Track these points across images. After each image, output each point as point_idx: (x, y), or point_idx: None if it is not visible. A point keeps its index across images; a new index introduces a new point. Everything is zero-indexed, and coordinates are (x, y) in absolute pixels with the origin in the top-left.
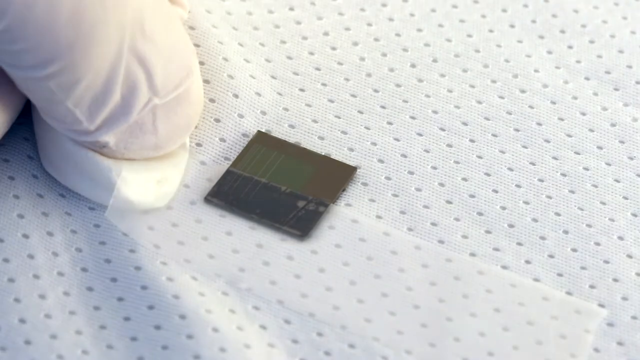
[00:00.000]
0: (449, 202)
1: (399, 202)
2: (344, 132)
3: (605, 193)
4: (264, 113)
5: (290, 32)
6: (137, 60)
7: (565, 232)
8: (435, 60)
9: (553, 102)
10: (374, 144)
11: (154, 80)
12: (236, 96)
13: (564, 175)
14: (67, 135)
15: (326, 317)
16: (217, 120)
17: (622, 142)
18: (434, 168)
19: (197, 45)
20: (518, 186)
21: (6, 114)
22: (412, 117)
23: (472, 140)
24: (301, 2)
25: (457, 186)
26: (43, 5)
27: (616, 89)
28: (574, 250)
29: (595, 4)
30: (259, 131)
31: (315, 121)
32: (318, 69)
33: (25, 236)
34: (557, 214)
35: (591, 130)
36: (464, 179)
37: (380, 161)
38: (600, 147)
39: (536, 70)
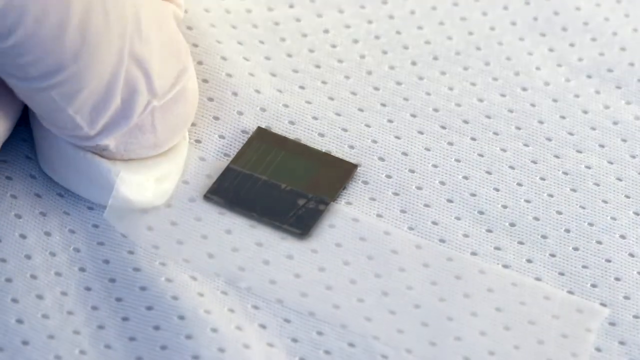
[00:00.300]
0: (450, 201)
1: (399, 200)
2: (345, 130)
3: (607, 192)
4: (263, 110)
5: (290, 29)
6: (135, 64)
7: (567, 230)
8: (436, 58)
9: (555, 100)
10: (375, 141)
11: (153, 82)
12: (235, 94)
13: (565, 173)
14: (67, 140)
15: (326, 316)
16: (216, 118)
17: (624, 140)
18: (435, 166)
19: (195, 45)
20: (519, 185)
21: (5, 123)
22: (413, 115)
23: (473, 139)
24: (301, 0)
25: (457, 185)
26: (53, 20)
27: (618, 87)
28: (576, 249)
29: (597, 1)
30: (259, 127)
31: (315, 118)
32: (318, 66)
33: (23, 236)
34: (559, 213)
35: (593, 129)
36: (465, 177)
37: (381, 159)
38: (602, 146)
39: (538, 68)
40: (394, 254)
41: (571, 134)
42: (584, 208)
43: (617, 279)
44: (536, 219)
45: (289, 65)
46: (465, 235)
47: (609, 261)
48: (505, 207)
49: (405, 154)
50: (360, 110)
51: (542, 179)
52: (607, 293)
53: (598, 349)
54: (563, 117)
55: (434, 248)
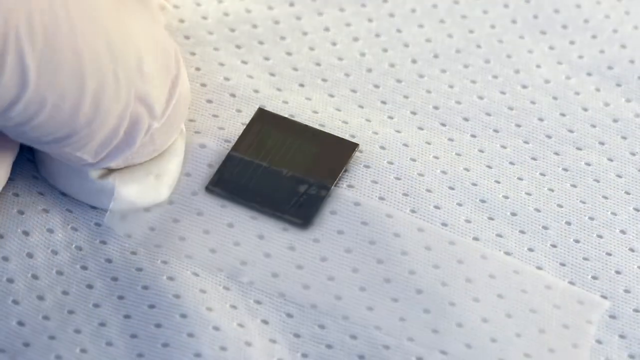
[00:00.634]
0: (452, 188)
1: (401, 184)
2: (345, 122)
3: (607, 188)
4: (263, 107)
5: (291, 27)
6: (139, 102)
7: (568, 223)
8: (436, 56)
9: (555, 98)
10: (376, 133)
11: (154, 110)
12: (233, 96)
13: (565, 170)
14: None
15: (328, 308)
16: (215, 116)
17: (624, 137)
18: (436, 157)
19: (192, 54)
20: (520, 179)
21: (4, 167)
22: (413, 113)
23: (473, 136)
24: None
25: (459, 175)
26: (69, 103)
27: (618, 85)
28: (577, 241)
29: None
30: (259, 108)
31: (315, 112)
32: (318, 64)
33: (25, 233)
34: (560, 206)
35: (593, 126)
36: (466, 169)
37: (382, 148)
38: (602, 143)
39: (538, 66)
40: (396, 237)
41: (571, 131)
42: (584, 203)
43: (617, 272)
44: (537, 210)
45: (289, 63)
46: (467, 221)
47: (610, 254)
48: (506, 197)
49: (406, 145)
50: (361, 107)
51: (542, 174)
52: (607, 285)
53: (599, 342)
54: (563, 115)
55: (437, 231)
